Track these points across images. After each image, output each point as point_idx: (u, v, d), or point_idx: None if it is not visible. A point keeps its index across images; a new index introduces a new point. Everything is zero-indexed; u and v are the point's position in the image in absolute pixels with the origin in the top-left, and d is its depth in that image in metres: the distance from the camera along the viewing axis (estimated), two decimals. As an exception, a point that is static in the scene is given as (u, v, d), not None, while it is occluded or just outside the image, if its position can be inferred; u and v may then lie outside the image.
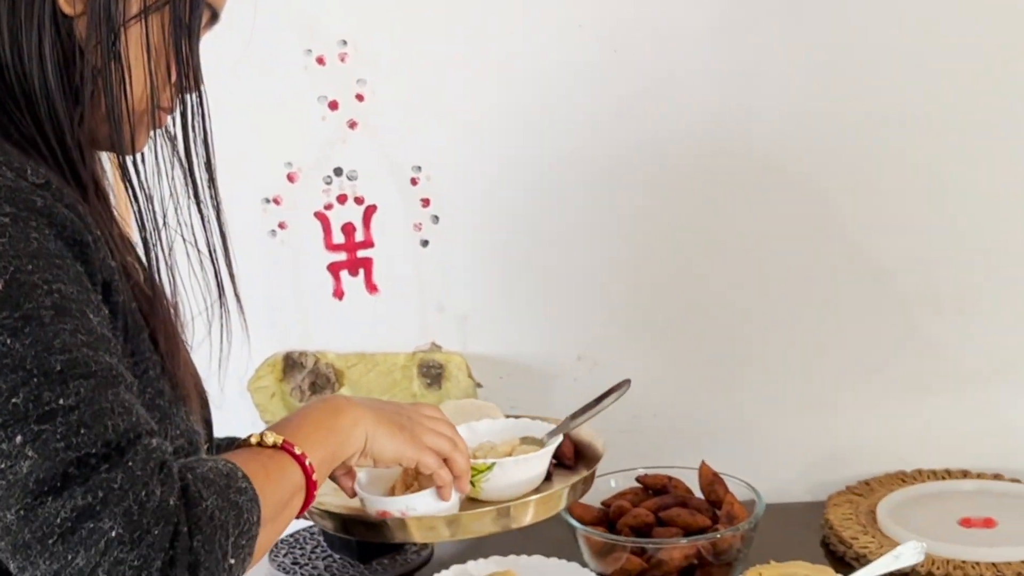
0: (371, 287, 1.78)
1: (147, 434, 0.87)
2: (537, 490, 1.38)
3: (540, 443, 1.40)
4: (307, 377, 1.79)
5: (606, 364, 1.77)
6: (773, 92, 1.70)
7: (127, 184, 1.02)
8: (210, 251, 1.07)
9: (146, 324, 1.00)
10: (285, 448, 1.04)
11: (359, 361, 1.79)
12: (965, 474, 1.75)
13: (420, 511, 1.28)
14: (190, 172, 1.04)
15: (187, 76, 1.01)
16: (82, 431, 0.83)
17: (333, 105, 1.72)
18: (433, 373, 1.78)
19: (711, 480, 1.55)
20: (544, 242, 1.76)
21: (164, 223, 1.04)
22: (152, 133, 1.05)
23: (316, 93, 1.72)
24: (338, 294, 1.79)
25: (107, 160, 1.09)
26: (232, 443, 1.14)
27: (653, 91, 1.70)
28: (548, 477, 1.42)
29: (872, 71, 1.68)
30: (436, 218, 1.76)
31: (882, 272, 1.74)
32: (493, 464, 1.33)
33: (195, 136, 1.04)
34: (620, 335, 1.79)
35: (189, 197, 1.06)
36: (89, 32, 0.95)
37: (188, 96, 1.03)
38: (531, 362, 1.79)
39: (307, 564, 1.61)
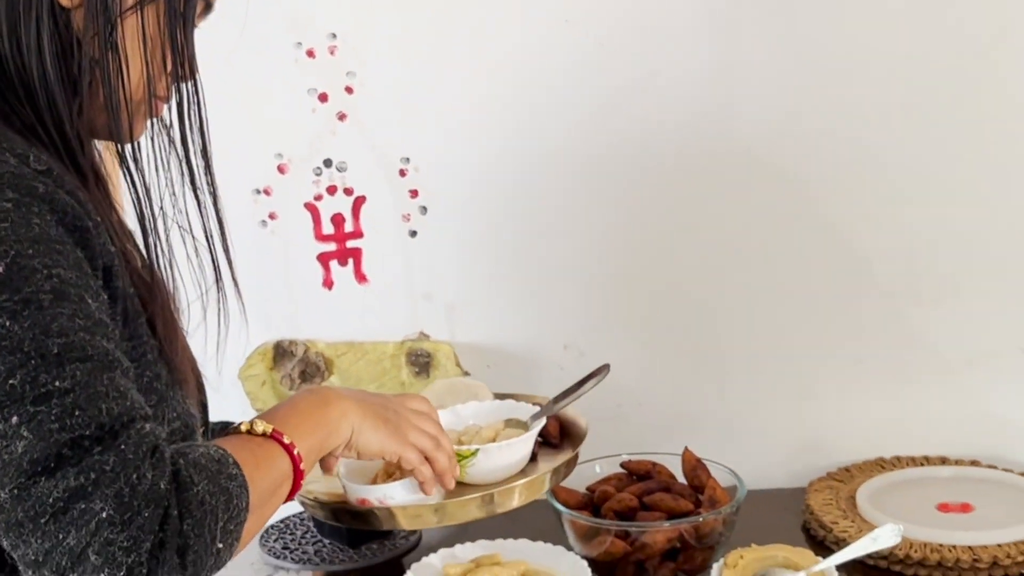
0: (360, 277, 1.80)
1: (141, 418, 0.88)
2: (522, 473, 1.40)
3: (524, 426, 1.42)
4: (297, 366, 1.81)
5: (591, 353, 1.79)
6: (756, 87, 1.72)
7: (125, 172, 1.04)
8: (207, 237, 1.09)
9: (144, 309, 1.01)
10: (274, 437, 1.06)
11: (348, 350, 1.81)
12: (943, 461, 1.77)
13: (398, 500, 1.30)
14: (187, 160, 1.06)
15: (183, 65, 1.03)
16: (76, 413, 0.84)
17: (323, 97, 1.74)
18: (421, 362, 1.80)
19: (694, 466, 1.57)
20: (531, 233, 1.78)
21: (161, 210, 1.06)
22: (149, 122, 1.07)
23: (306, 85, 1.74)
24: (328, 284, 1.80)
25: (103, 149, 1.10)
26: (226, 428, 1.16)
27: (638, 85, 1.72)
28: (534, 457, 1.44)
29: (853, 66, 1.70)
30: (424, 209, 1.78)
31: (862, 263, 1.76)
32: (477, 450, 1.35)
33: (191, 124, 1.06)
34: (605, 325, 1.81)
35: (186, 185, 1.08)
36: (86, 23, 0.97)
37: (184, 85, 1.04)
38: (518, 351, 1.81)
39: (297, 549, 1.64)
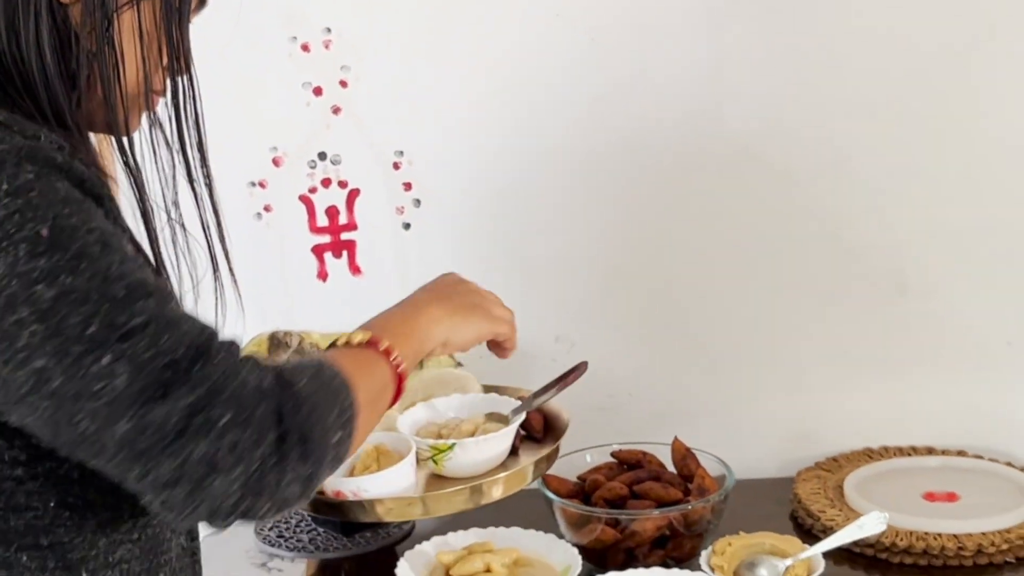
0: (354, 269, 1.82)
1: (217, 334, 0.92)
2: (503, 466, 1.40)
3: (505, 420, 1.41)
4: (292, 356, 1.83)
5: (583, 345, 1.80)
6: (746, 81, 1.74)
7: (126, 164, 1.05)
8: (204, 229, 1.09)
9: None
10: (372, 345, 1.09)
11: (342, 341, 1.82)
12: (930, 451, 1.80)
13: (372, 493, 1.31)
14: (183, 153, 1.07)
15: (178, 59, 1.03)
16: (163, 339, 0.87)
17: (317, 91, 1.75)
18: (415, 353, 1.81)
19: (683, 455, 1.58)
20: (523, 224, 1.79)
21: (167, 201, 1.08)
22: (148, 115, 1.08)
23: (301, 79, 1.75)
24: (322, 275, 1.82)
25: (96, 144, 1.11)
26: None
27: (632, 81, 1.73)
28: (516, 451, 1.44)
29: (844, 63, 1.72)
30: (418, 202, 1.79)
31: (851, 256, 1.78)
32: (454, 444, 1.36)
33: (187, 118, 1.07)
34: (597, 317, 1.83)
35: (182, 177, 1.08)
36: (83, 18, 0.98)
37: (180, 79, 1.05)
38: (510, 342, 1.82)
39: (292, 537, 1.65)
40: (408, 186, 1.79)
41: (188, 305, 1.13)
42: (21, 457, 0.93)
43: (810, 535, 1.60)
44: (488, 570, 1.43)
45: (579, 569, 1.43)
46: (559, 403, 1.49)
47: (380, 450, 1.38)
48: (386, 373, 1.09)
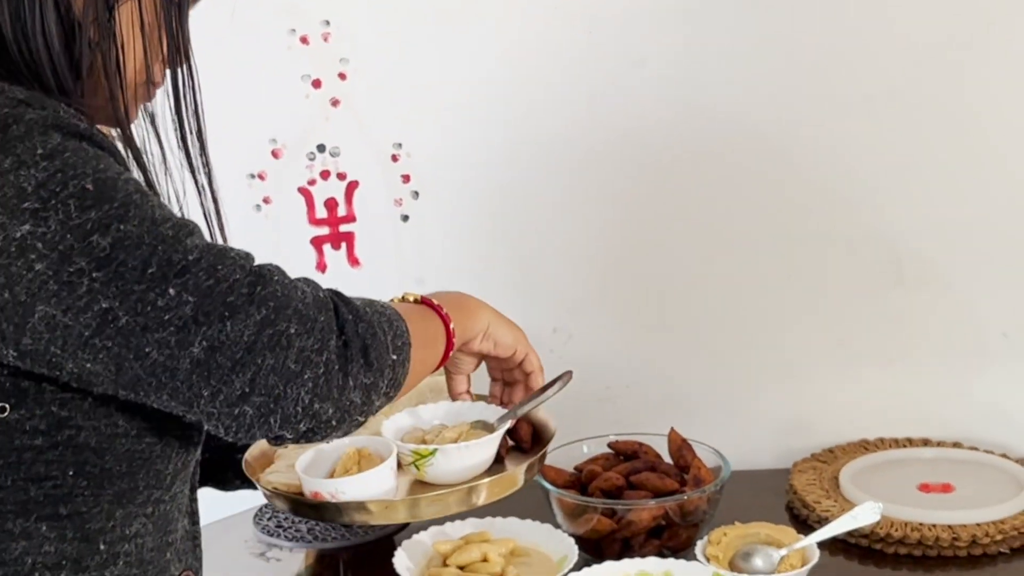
0: (353, 260, 1.82)
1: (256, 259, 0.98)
2: (489, 472, 1.38)
3: (491, 428, 1.39)
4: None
5: (581, 336, 1.81)
6: (745, 72, 1.74)
7: (131, 153, 1.05)
8: (206, 217, 1.11)
9: None
10: (424, 302, 1.18)
11: (341, 332, 1.82)
12: (925, 442, 1.80)
13: (349, 495, 1.31)
14: (183, 142, 1.09)
15: (178, 50, 1.05)
16: (219, 267, 0.93)
17: (316, 83, 1.76)
18: (413, 345, 1.81)
19: (679, 446, 1.59)
20: (521, 217, 1.80)
21: (173, 191, 1.11)
22: (144, 107, 1.10)
23: (299, 72, 1.75)
24: (321, 267, 1.82)
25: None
26: None
27: (628, 74, 1.74)
28: (501, 459, 1.41)
29: (841, 51, 1.73)
30: (416, 194, 1.80)
31: (847, 247, 1.79)
32: (435, 450, 1.34)
33: (187, 108, 1.08)
34: (594, 308, 1.83)
35: (184, 167, 1.11)
36: (86, 8, 0.99)
37: (179, 70, 1.07)
38: (508, 334, 1.82)
39: (290, 527, 1.66)
40: (407, 178, 1.79)
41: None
42: (41, 426, 0.95)
43: (805, 526, 1.60)
44: (485, 560, 1.44)
45: (575, 559, 1.43)
46: (547, 413, 1.47)
47: (362, 453, 1.38)
48: (438, 326, 1.17)
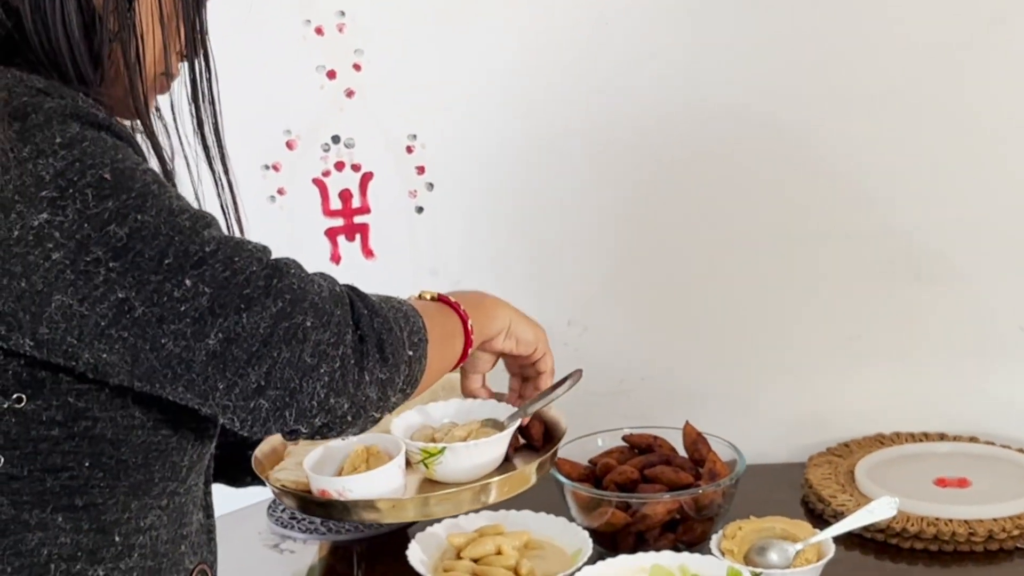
0: (367, 252, 1.82)
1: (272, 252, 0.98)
2: (498, 470, 1.38)
3: (501, 426, 1.39)
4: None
5: (596, 329, 1.80)
6: (758, 67, 1.73)
7: (151, 143, 1.06)
8: (223, 208, 1.12)
9: None
10: (442, 299, 1.18)
11: (355, 324, 1.82)
12: (941, 436, 1.79)
13: (356, 493, 1.31)
14: (201, 133, 1.10)
15: (196, 41, 1.05)
16: (235, 259, 0.93)
17: (331, 74, 1.75)
18: (427, 337, 1.81)
19: (695, 439, 1.58)
20: (536, 209, 1.79)
21: (192, 181, 1.11)
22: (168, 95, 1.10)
23: (314, 63, 1.74)
24: (335, 259, 1.82)
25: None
26: None
27: (642, 64, 1.73)
28: (509, 458, 1.41)
29: (844, 50, 1.72)
30: (431, 185, 1.79)
31: (863, 241, 1.78)
32: (444, 448, 1.34)
33: (203, 98, 1.09)
34: (609, 301, 1.83)
35: (201, 157, 1.11)
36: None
37: (196, 61, 1.07)
38: (522, 326, 1.82)
39: (304, 519, 1.65)
40: (421, 170, 1.79)
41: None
42: (58, 417, 0.96)
43: (821, 520, 1.60)
44: (499, 553, 1.43)
45: (589, 552, 1.42)
46: (558, 411, 1.47)
47: (370, 451, 1.37)
48: (456, 323, 1.17)
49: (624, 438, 1.64)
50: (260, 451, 1.41)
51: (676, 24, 1.72)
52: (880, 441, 1.80)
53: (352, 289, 1.03)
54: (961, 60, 1.71)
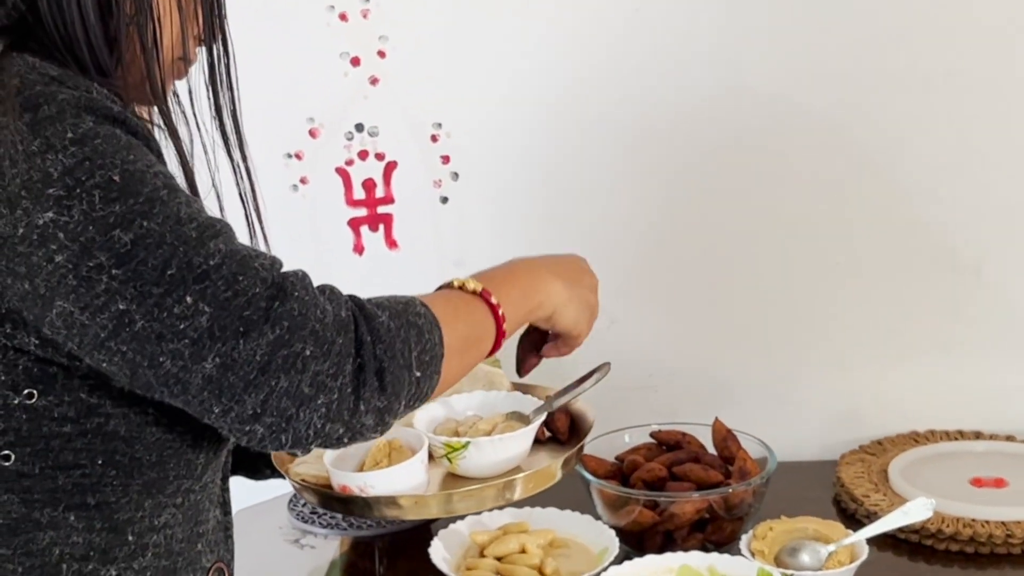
0: (391, 243, 1.80)
1: (282, 264, 0.96)
2: (524, 466, 1.36)
3: (527, 420, 1.38)
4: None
5: (624, 322, 1.77)
6: (798, 51, 1.70)
7: (168, 131, 1.04)
8: (241, 197, 1.10)
9: None
10: (483, 296, 1.13)
11: (378, 316, 1.80)
12: (978, 435, 1.75)
13: (378, 490, 1.29)
14: (219, 121, 1.08)
15: (214, 25, 1.03)
16: (240, 278, 0.90)
17: (355, 61, 1.73)
18: (451, 328, 1.79)
19: (724, 436, 1.55)
20: (563, 200, 1.77)
21: (210, 168, 1.09)
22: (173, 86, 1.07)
23: (338, 49, 1.73)
24: (358, 249, 1.80)
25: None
26: None
27: (675, 49, 1.70)
28: (534, 450, 1.40)
29: (896, 28, 1.68)
30: (456, 175, 1.77)
31: (901, 232, 1.74)
32: (468, 443, 1.33)
33: (222, 85, 1.07)
34: (638, 293, 1.80)
35: (219, 145, 1.09)
36: None
37: (215, 45, 1.05)
38: (548, 319, 1.80)
39: (325, 514, 1.63)
40: (446, 159, 1.76)
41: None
42: (69, 413, 0.94)
43: (853, 520, 1.57)
44: (523, 551, 1.41)
45: (616, 551, 1.40)
46: (585, 404, 1.46)
47: (392, 445, 1.36)
48: (488, 324, 1.13)
49: (652, 434, 1.61)
50: None
51: (711, 7, 1.69)
52: (915, 439, 1.77)
53: (360, 308, 0.99)
54: (1009, 43, 1.67)
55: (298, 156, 1.77)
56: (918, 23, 1.67)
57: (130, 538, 0.99)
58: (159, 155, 0.97)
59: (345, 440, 0.97)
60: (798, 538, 1.42)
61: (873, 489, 1.61)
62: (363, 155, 1.77)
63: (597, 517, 1.49)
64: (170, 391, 0.91)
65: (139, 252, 0.88)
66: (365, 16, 1.71)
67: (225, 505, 1.15)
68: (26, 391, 0.93)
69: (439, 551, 1.43)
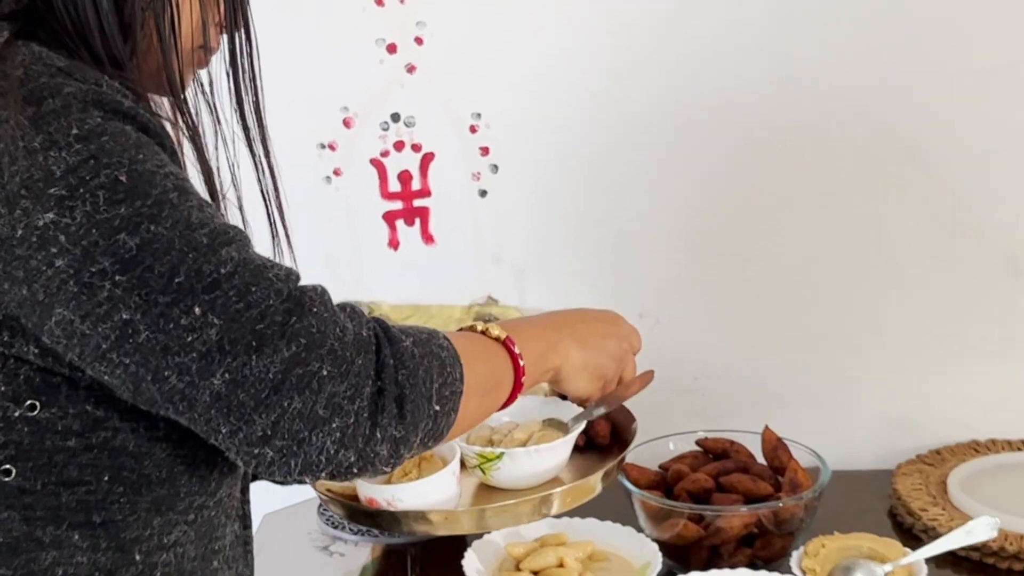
0: (427, 237, 1.76)
1: (300, 277, 0.90)
2: (562, 477, 1.32)
3: (565, 428, 1.33)
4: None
5: (669, 322, 1.73)
6: (846, 41, 1.63)
7: (186, 123, 1.00)
8: (263, 193, 1.05)
9: None
10: (506, 344, 1.08)
11: (414, 313, 1.76)
12: (1043, 445, 1.70)
13: (407, 503, 1.25)
14: (240, 112, 1.03)
15: (236, 11, 0.99)
16: (252, 289, 0.85)
17: (391, 48, 1.69)
18: (489, 327, 1.74)
19: (775, 446, 1.51)
20: (606, 193, 1.72)
21: (230, 163, 1.05)
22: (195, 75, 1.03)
23: (374, 36, 1.69)
24: (393, 244, 1.76)
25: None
26: None
27: (720, 39, 1.65)
28: (580, 447, 1.36)
29: (953, 20, 1.61)
30: (495, 167, 1.73)
31: (961, 233, 1.68)
32: (502, 454, 1.28)
33: (244, 75, 1.02)
34: (684, 292, 1.75)
35: (240, 139, 1.04)
36: None
37: (236, 35, 1.00)
38: (590, 319, 1.75)
39: (356, 519, 1.59)
40: (485, 151, 1.72)
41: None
42: (74, 427, 0.89)
43: (910, 535, 1.52)
44: (561, 565, 1.37)
45: (659, 567, 1.36)
46: (627, 412, 1.41)
47: (423, 456, 1.31)
48: (508, 372, 1.08)
49: (698, 442, 1.57)
50: None
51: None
52: (975, 449, 1.71)
53: (384, 330, 0.93)
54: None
55: (331, 147, 1.73)
56: (974, 13, 1.60)
57: (137, 557, 0.94)
58: (173, 153, 0.91)
59: (355, 470, 0.90)
60: (852, 556, 1.37)
61: (931, 503, 1.55)
62: (399, 146, 1.73)
63: (639, 529, 1.45)
64: (175, 408, 0.86)
65: (145, 258, 0.82)
66: (402, 1, 1.67)
67: (245, 518, 1.10)
68: (28, 402, 0.88)
69: (473, 563, 1.39)
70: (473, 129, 1.72)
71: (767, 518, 1.39)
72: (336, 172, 1.73)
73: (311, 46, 1.67)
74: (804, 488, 1.42)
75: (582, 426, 1.34)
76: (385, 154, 1.73)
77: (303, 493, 1.56)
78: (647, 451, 1.54)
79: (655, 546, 1.39)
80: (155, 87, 0.99)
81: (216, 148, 1.04)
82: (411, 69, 1.70)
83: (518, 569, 1.37)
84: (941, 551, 1.36)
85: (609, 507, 1.45)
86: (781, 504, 1.39)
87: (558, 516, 1.42)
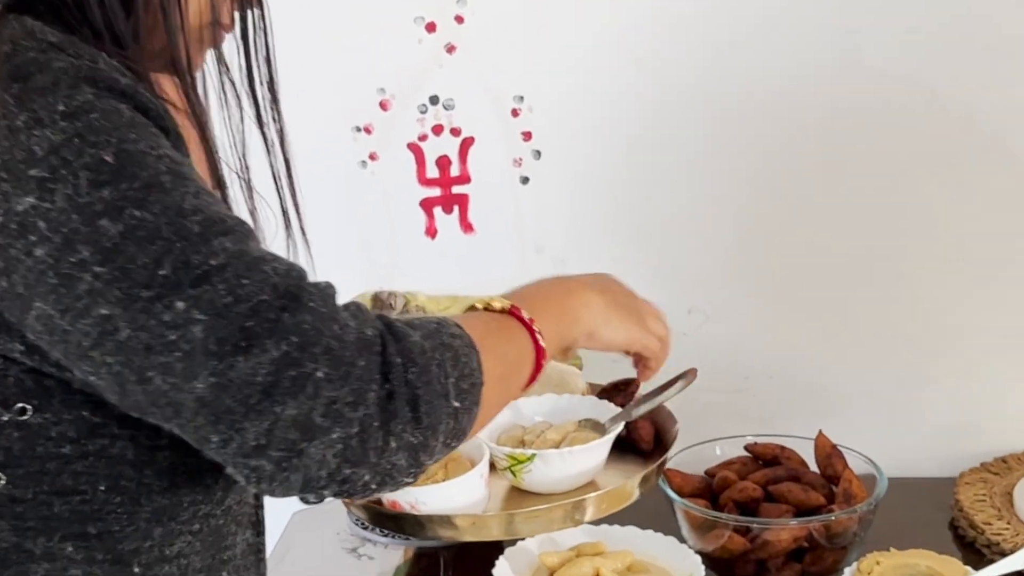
0: (466, 226, 1.73)
1: (306, 274, 0.83)
2: (598, 481, 1.25)
3: (601, 429, 1.26)
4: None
5: (719, 319, 1.68)
6: (889, 24, 1.57)
7: (190, 105, 0.94)
8: (275, 179, 1.00)
9: None
10: (513, 313, 0.99)
11: (452, 304, 1.70)
12: (1116, 455, 1.62)
13: (431, 507, 1.19)
14: (252, 92, 0.97)
15: None
16: (244, 282, 0.78)
17: (430, 27, 1.65)
18: (530, 319, 1.69)
19: (828, 453, 1.45)
20: (653, 182, 1.67)
21: (237, 148, 1.00)
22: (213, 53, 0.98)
23: (412, 14, 1.65)
24: (431, 232, 1.73)
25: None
26: None
27: (768, 22, 1.60)
28: (619, 450, 1.28)
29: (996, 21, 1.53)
30: (538, 153, 1.69)
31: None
32: (534, 455, 1.22)
33: (257, 53, 0.96)
34: (735, 287, 1.70)
35: (252, 121, 0.99)
36: None
37: (250, 11, 0.95)
38: (635, 313, 1.70)
39: (387, 520, 1.54)
40: (528, 135, 1.68)
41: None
42: (69, 433, 0.84)
43: (972, 549, 1.46)
44: (598, 576, 1.32)
45: (702, 580, 1.30)
46: (669, 413, 1.34)
47: (450, 456, 1.23)
48: (525, 345, 0.99)
49: (746, 447, 1.52)
50: None
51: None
52: (1044, 457, 1.64)
53: (389, 327, 0.85)
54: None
55: (367, 130, 1.69)
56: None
57: (136, 570, 0.89)
58: (178, 138, 0.85)
59: (372, 486, 0.82)
60: (909, 575, 1.30)
61: (996, 515, 1.49)
62: (437, 130, 1.68)
63: (681, 539, 1.40)
64: (162, 413, 0.79)
65: (128, 247, 0.76)
66: (442, -24, 1.64)
67: (258, 525, 1.05)
68: (18, 406, 0.83)
69: (504, 571, 1.34)
70: (515, 113, 1.67)
71: (818, 532, 1.34)
72: (372, 156, 1.69)
73: (346, 24, 1.63)
74: (859, 500, 1.36)
75: (620, 427, 1.27)
76: (423, 138, 1.69)
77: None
78: (692, 455, 1.49)
79: (698, 558, 1.34)
80: (161, 67, 0.92)
81: (232, 134, 1.00)
82: (451, 49, 1.65)
83: (552, 578, 1.32)
84: (1005, 571, 1.29)
85: (650, 513, 1.40)
86: (834, 517, 1.34)
87: (596, 523, 1.36)
